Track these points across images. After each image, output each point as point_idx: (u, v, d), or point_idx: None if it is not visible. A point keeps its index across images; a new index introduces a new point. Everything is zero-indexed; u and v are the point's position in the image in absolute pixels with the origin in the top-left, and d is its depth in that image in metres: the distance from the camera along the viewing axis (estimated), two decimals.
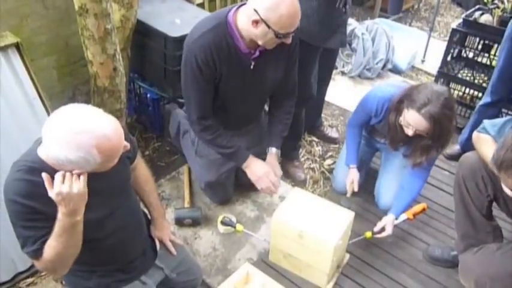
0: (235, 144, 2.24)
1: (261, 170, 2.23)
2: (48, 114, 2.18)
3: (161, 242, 1.85)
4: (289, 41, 1.91)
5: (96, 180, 1.39)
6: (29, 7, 2.40)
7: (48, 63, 2.63)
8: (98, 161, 1.30)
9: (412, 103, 2.03)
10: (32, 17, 2.44)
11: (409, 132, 2.09)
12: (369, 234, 2.23)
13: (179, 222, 2.44)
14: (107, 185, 1.51)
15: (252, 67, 2.05)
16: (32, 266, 2.13)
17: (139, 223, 1.76)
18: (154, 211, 1.87)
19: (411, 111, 2.03)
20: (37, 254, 1.40)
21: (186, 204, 2.55)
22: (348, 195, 2.53)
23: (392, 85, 2.37)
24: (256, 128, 2.47)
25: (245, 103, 2.24)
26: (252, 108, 2.36)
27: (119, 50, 2.37)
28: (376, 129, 2.46)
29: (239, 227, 2.25)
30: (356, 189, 2.49)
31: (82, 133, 1.25)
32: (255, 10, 1.80)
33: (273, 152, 2.33)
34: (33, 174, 1.35)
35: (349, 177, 2.51)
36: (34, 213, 1.37)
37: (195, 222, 2.45)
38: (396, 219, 2.24)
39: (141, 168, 1.83)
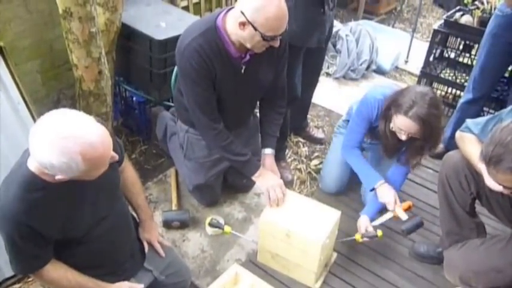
0: (247, 153, 2.23)
1: (273, 181, 2.19)
2: (33, 118, 2.17)
3: (149, 243, 1.85)
4: (276, 44, 1.92)
5: (86, 185, 1.40)
6: (11, 11, 2.38)
7: (33, 67, 2.61)
8: (82, 168, 1.27)
9: (399, 108, 2.05)
10: (15, 21, 2.42)
11: (403, 137, 2.10)
12: (358, 236, 2.22)
13: (167, 224, 2.44)
14: (96, 190, 1.50)
15: (243, 71, 2.06)
16: None
17: (128, 226, 1.76)
18: (142, 213, 1.87)
19: (399, 116, 2.05)
20: (36, 269, 1.45)
21: (174, 207, 2.55)
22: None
23: (384, 86, 2.38)
24: (246, 130, 2.47)
25: (236, 106, 2.25)
26: (243, 110, 2.37)
27: (104, 53, 2.37)
28: (373, 131, 2.42)
29: (227, 228, 2.24)
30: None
31: (68, 138, 1.23)
32: (242, 12, 1.82)
33: (269, 152, 2.33)
34: (27, 191, 1.34)
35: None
36: (33, 233, 1.38)
37: (183, 225, 2.45)
38: (370, 219, 2.25)
39: (128, 171, 1.83)
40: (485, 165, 1.59)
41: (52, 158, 1.24)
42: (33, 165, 1.35)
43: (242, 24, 1.84)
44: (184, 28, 2.28)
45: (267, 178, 2.21)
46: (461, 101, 2.95)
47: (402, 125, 2.06)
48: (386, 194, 2.24)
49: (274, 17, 1.81)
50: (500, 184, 1.60)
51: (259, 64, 2.09)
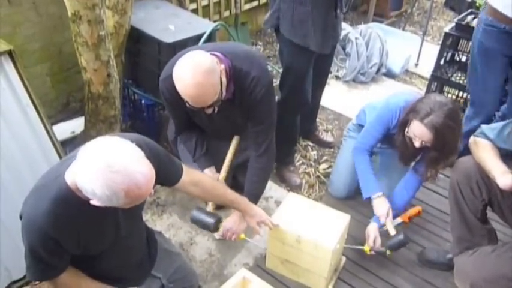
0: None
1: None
2: (42, 121, 2.18)
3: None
4: (208, 111, 1.85)
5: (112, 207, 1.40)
6: (22, 15, 2.40)
7: (42, 70, 2.63)
8: (120, 202, 1.27)
9: (416, 114, 2.03)
10: (25, 24, 2.44)
11: (416, 143, 2.07)
12: (367, 249, 2.20)
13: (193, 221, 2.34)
14: (121, 211, 1.49)
15: (209, 116, 1.98)
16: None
17: (142, 243, 1.77)
18: (239, 205, 1.97)
19: (415, 122, 2.03)
20: (52, 277, 1.47)
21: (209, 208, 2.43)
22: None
23: (405, 93, 2.35)
24: (242, 134, 2.42)
25: (219, 133, 2.25)
26: (229, 133, 2.30)
27: (113, 56, 2.37)
28: (388, 137, 2.36)
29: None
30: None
31: (117, 173, 1.21)
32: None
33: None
34: (60, 207, 1.34)
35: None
36: (57, 247, 1.38)
37: (205, 227, 2.35)
38: (379, 227, 2.23)
39: (203, 180, 1.82)
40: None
41: (96, 187, 1.22)
42: (70, 180, 1.34)
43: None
44: (193, 31, 2.28)
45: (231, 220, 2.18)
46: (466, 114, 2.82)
47: (416, 131, 2.04)
48: (380, 206, 2.24)
49: (185, 94, 1.75)
50: None
51: (230, 108, 2.01)
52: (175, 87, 1.80)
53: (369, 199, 2.29)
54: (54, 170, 1.43)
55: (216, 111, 1.90)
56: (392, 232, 2.19)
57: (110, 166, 1.21)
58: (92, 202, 1.28)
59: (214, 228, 2.02)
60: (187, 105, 1.81)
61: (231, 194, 1.93)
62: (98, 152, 1.24)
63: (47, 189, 1.36)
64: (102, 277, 1.61)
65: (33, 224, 1.35)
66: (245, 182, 2.20)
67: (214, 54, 1.86)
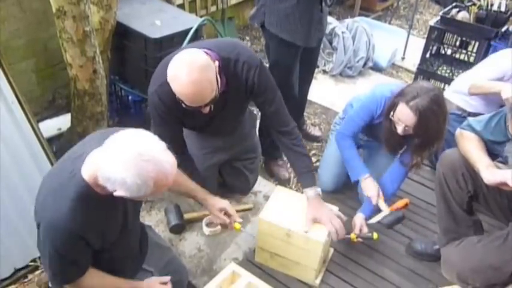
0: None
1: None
2: (28, 118, 2.16)
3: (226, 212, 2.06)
4: (205, 110, 1.82)
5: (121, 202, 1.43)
6: (5, 10, 2.37)
7: (27, 66, 2.60)
8: (147, 192, 1.29)
9: (403, 97, 2.06)
10: (9, 20, 2.41)
11: (399, 128, 2.10)
12: (353, 236, 2.23)
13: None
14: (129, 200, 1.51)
15: (206, 115, 1.93)
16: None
17: (138, 237, 1.78)
18: (198, 193, 2.01)
19: (401, 104, 2.06)
20: (77, 278, 1.48)
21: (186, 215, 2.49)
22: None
23: (392, 84, 2.37)
24: (239, 127, 2.43)
25: (218, 129, 2.22)
26: (228, 127, 2.28)
27: (99, 52, 2.36)
28: (371, 128, 2.41)
29: (237, 225, 2.13)
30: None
31: (150, 162, 1.25)
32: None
33: (308, 195, 2.10)
34: (82, 202, 1.35)
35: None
36: (82, 243, 1.41)
37: (168, 223, 2.43)
38: (365, 218, 2.26)
39: None
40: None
41: (127, 176, 1.24)
42: (87, 176, 1.34)
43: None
44: (179, 26, 2.24)
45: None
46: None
47: (401, 113, 2.07)
48: (369, 187, 2.27)
49: (181, 93, 1.72)
50: None
51: (226, 101, 1.98)
52: (169, 94, 1.78)
53: (357, 182, 2.33)
54: (64, 170, 1.41)
55: (212, 109, 1.87)
56: (386, 211, 2.23)
57: (141, 155, 1.24)
58: (117, 193, 1.29)
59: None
60: (184, 106, 1.77)
61: (192, 184, 1.98)
62: (128, 143, 1.27)
63: (64, 189, 1.37)
64: (104, 271, 1.61)
65: (57, 226, 1.35)
66: (293, 165, 2.18)
67: (203, 51, 1.82)
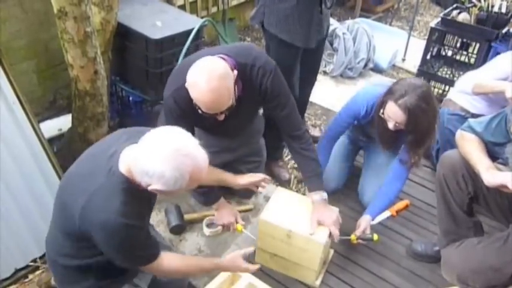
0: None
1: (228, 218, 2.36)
2: (29, 118, 2.16)
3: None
4: (221, 117, 1.85)
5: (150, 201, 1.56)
6: (6, 11, 2.38)
7: (28, 67, 2.61)
8: (182, 186, 1.35)
9: (391, 95, 2.08)
10: (10, 20, 2.41)
11: (390, 125, 2.12)
12: (353, 237, 2.23)
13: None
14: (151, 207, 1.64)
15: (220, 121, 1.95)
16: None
17: None
18: (228, 178, 2.17)
19: (390, 103, 2.08)
20: (157, 255, 1.56)
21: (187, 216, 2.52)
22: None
23: (378, 84, 2.39)
24: (248, 129, 2.43)
25: (226, 132, 2.24)
26: (238, 130, 2.31)
27: (100, 53, 2.36)
28: (363, 128, 2.46)
29: (239, 226, 2.30)
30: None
31: (187, 156, 1.32)
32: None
33: (313, 199, 2.12)
34: (130, 195, 1.40)
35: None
36: (144, 230, 1.50)
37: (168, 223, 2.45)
38: (372, 219, 2.26)
39: None
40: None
41: (166, 169, 1.30)
42: (125, 171, 1.39)
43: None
44: (180, 27, 2.24)
45: (222, 214, 2.36)
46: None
47: (390, 111, 2.08)
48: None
49: (200, 100, 1.75)
50: None
51: (240, 105, 1.96)
52: (185, 99, 1.81)
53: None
54: (99, 170, 1.42)
55: (226, 115, 1.89)
56: (387, 212, 2.27)
57: (180, 150, 1.31)
58: (152, 187, 1.34)
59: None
60: (200, 112, 1.79)
61: (219, 171, 2.12)
62: (165, 139, 1.34)
63: (106, 189, 1.39)
64: (105, 270, 1.61)
65: (116, 225, 1.37)
66: (301, 169, 2.22)
67: (220, 57, 1.84)
